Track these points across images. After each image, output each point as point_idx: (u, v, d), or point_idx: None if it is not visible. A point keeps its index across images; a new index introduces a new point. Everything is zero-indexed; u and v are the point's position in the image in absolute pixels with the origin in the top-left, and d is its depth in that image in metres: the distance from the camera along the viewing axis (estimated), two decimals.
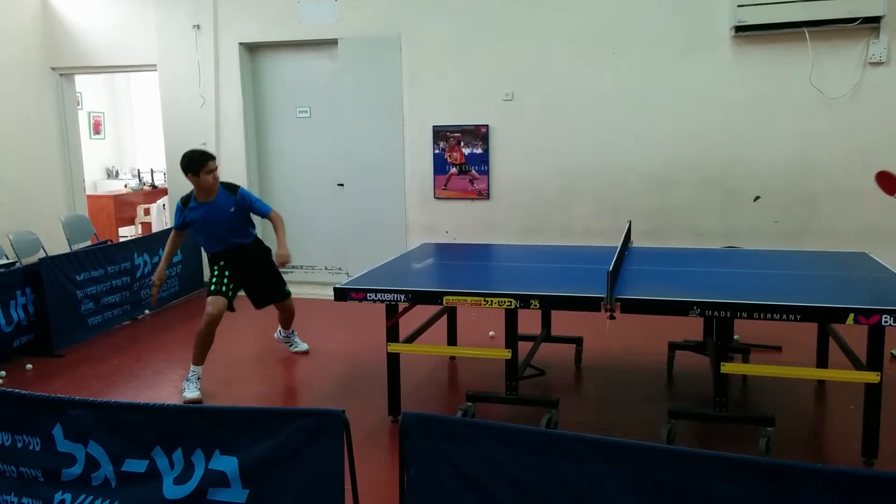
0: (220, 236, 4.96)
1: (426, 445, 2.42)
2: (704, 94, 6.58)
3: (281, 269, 5.09)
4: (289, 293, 5.31)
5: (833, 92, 6.28)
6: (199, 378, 4.74)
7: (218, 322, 4.75)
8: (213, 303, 4.77)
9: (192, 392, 4.65)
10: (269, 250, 5.19)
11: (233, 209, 4.91)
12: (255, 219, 5.15)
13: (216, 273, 4.94)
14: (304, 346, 5.61)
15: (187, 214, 4.93)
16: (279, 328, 5.60)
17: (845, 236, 6.29)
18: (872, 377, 3.37)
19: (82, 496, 2.69)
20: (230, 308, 4.90)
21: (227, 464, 2.52)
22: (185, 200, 4.95)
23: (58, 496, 2.72)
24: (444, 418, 2.46)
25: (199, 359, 4.76)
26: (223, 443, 2.53)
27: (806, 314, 3.34)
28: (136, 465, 2.63)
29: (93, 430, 2.69)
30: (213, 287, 4.86)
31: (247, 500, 2.51)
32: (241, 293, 5.08)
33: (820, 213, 6.45)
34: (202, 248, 5.19)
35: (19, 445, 2.82)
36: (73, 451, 2.71)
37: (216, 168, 4.84)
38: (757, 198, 6.56)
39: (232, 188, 4.97)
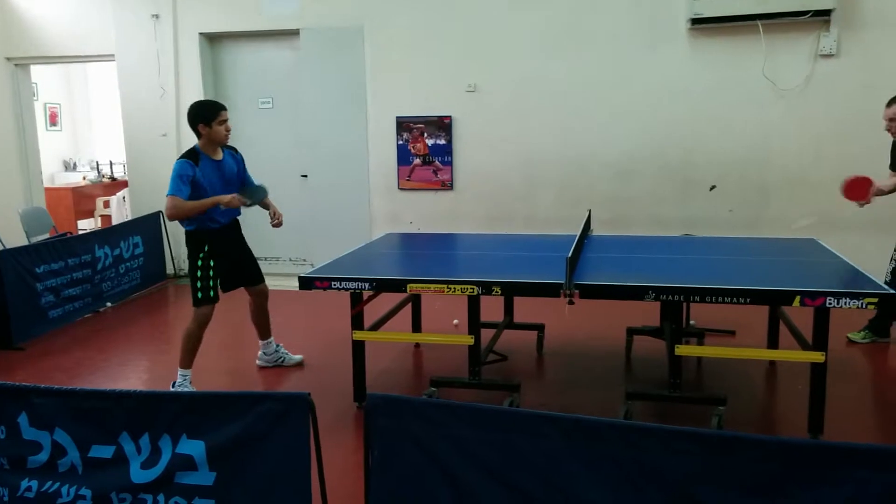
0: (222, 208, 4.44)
1: (391, 426, 2.48)
2: (663, 86, 6.72)
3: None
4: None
5: (785, 84, 6.46)
6: (190, 383, 4.51)
7: (208, 322, 4.49)
8: (207, 308, 4.47)
9: None
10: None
11: (237, 169, 4.57)
12: None
13: (201, 270, 4.44)
14: (297, 358, 5.12)
15: (198, 172, 4.30)
16: (260, 351, 5.07)
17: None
18: (817, 357, 3.52)
19: (49, 482, 2.70)
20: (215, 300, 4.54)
21: (194, 448, 2.55)
22: (192, 156, 4.33)
23: (24, 483, 2.72)
24: (408, 399, 2.53)
25: (188, 361, 4.50)
26: (190, 427, 2.57)
27: (755, 297, 3.48)
28: (103, 451, 2.65)
29: (58, 417, 2.70)
30: (199, 294, 4.43)
31: (214, 482, 2.56)
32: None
33: (773, 202, 6.64)
34: (186, 224, 4.49)
35: None
36: (38, 438, 2.72)
37: (228, 118, 4.41)
38: (713, 187, 6.73)
39: (231, 147, 4.61)
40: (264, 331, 5.02)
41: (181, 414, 2.59)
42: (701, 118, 6.68)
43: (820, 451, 2.09)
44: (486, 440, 2.40)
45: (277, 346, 5.10)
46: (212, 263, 4.48)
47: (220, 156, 4.49)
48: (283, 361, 5.10)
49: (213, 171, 4.41)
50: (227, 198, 4.32)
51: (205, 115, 4.35)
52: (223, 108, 4.44)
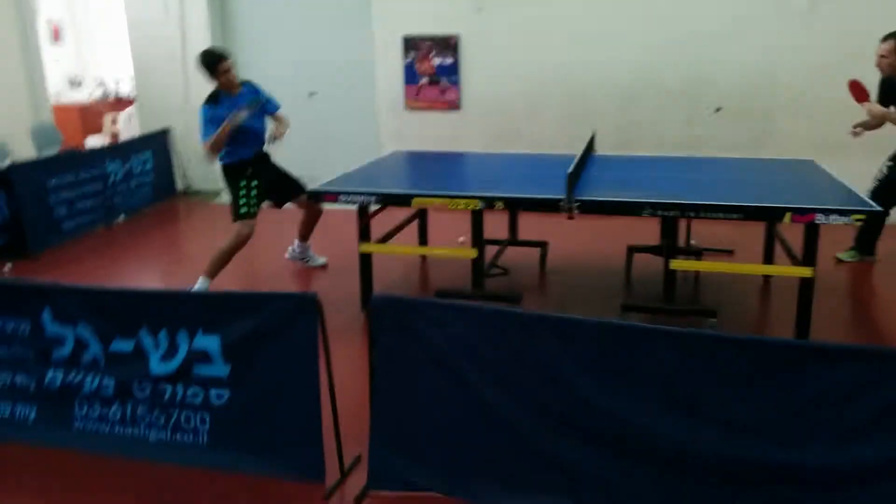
0: (253, 132, 4.82)
1: (394, 323, 2.63)
2: (668, 10, 6.65)
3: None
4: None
5: (792, 5, 6.38)
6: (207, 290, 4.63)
7: (246, 242, 4.74)
8: (248, 224, 4.72)
9: None
10: None
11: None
12: None
13: (244, 189, 4.77)
14: (321, 261, 5.45)
15: (218, 111, 4.63)
16: (291, 245, 5.43)
17: (801, 147, 6.49)
18: (806, 272, 3.65)
19: (73, 373, 2.89)
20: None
21: (209, 342, 2.72)
22: (212, 98, 4.71)
23: (49, 373, 2.91)
24: (411, 299, 2.67)
25: (214, 272, 4.70)
26: (206, 323, 2.73)
27: (748, 213, 3.59)
28: (124, 345, 2.83)
29: (81, 313, 2.86)
30: (242, 210, 4.74)
31: (229, 374, 2.74)
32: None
33: (777, 125, 6.67)
34: (224, 159, 4.83)
35: (9, 330, 2.99)
36: (62, 332, 2.89)
37: (231, 66, 4.73)
38: (718, 108, 6.73)
39: (251, 83, 4.93)
40: (304, 236, 5.37)
41: (197, 311, 2.75)
42: (706, 41, 6.62)
43: (790, 349, 2.24)
44: (484, 338, 2.55)
45: (308, 246, 5.44)
46: (254, 184, 4.79)
47: (238, 90, 4.78)
48: (308, 261, 5.43)
49: (233, 106, 4.68)
50: (235, 116, 4.60)
51: (208, 68, 4.68)
52: (223, 58, 4.71)
